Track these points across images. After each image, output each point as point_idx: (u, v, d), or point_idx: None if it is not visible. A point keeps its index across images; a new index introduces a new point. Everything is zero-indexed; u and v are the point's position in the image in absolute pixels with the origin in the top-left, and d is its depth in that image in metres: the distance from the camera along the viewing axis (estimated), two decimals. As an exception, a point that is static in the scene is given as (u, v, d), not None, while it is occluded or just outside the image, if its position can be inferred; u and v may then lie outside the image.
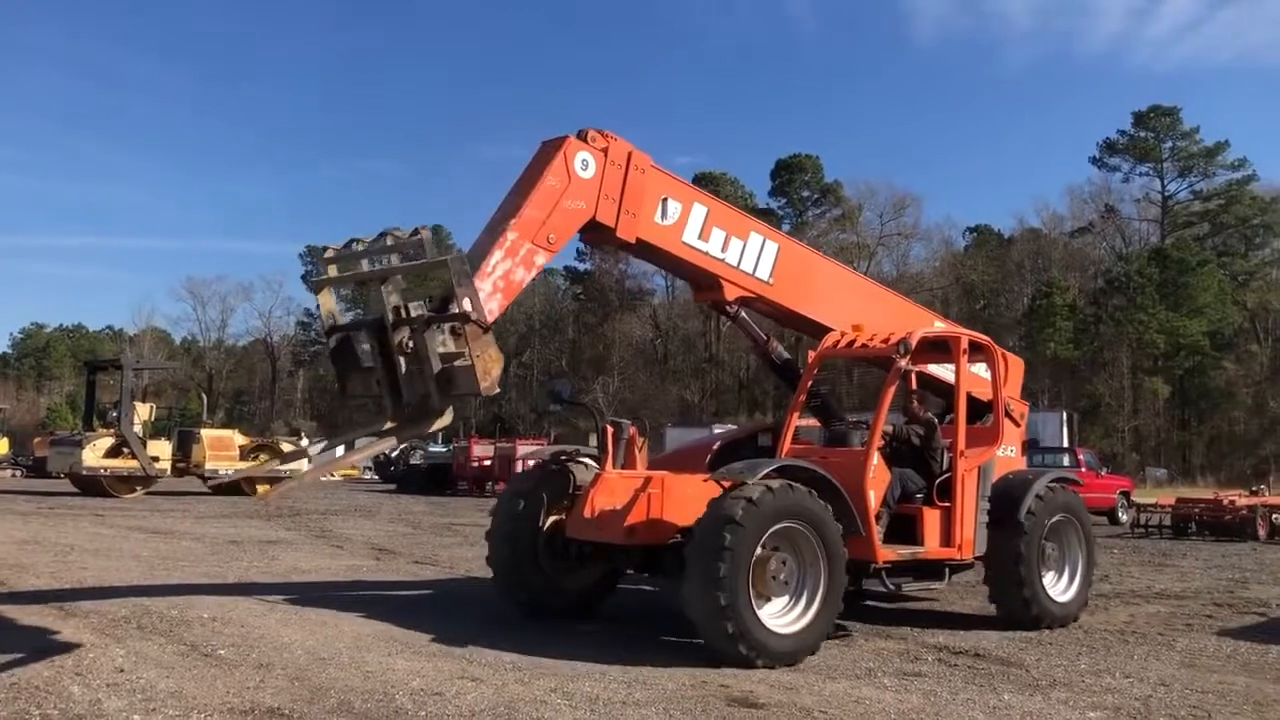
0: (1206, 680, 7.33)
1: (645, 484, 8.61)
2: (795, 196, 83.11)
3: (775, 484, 7.62)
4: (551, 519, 9.20)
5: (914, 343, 8.80)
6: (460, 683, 6.66)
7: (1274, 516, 21.23)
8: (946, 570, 9.09)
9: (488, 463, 34.20)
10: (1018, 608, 9.29)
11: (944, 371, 10.11)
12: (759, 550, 7.48)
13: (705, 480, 8.35)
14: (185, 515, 21.26)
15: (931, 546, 8.77)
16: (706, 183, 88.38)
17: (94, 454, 26.14)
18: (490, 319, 7.07)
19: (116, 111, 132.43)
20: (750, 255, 9.12)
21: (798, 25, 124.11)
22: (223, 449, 28.39)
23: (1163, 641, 8.88)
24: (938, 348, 9.57)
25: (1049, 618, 9.35)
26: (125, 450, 26.43)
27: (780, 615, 7.70)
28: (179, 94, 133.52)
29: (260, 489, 28.61)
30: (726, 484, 7.83)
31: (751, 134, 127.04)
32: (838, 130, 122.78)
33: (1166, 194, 77.68)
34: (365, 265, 7.63)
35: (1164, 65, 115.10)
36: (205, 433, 28.95)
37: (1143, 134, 76.89)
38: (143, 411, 28.07)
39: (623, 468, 9.01)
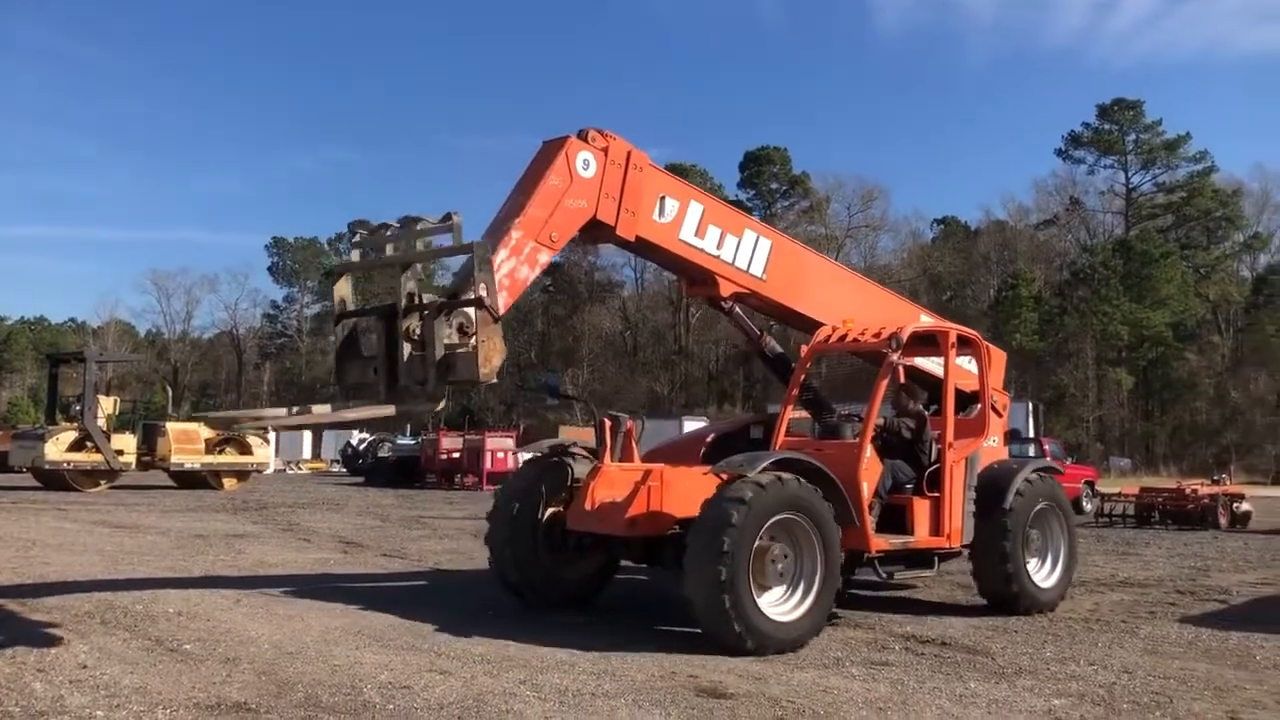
0: (1169, 667, 7.42)
1: (645, 476, 8.72)
2: (764, 188, 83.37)
3: (775, 476, 7.77)
4: (550, 511, 9.29)
5: (905, 337, 8.97)
6: (428, 676, 6.64)
7: (1235, 505, 21.55)
8: (935, 559, 9.27)
9: (456, 455, 34.09)
10: (1003, 594, 9.50)
11: (929, 364, 10.32)
12: (759, 540, 7.61)
13: (705, 473, 8.40)
14: (150, 509, 21.04)
15: (921, 536, 8.98)
16: (676, 174, 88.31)
17: (57, 448, 25.82)
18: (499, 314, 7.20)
19: (76, 101, 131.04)
20: (744, 252, 9.29)
21: (764, 17, 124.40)
22: (188, 442, 28.11)
23: (1126, 629, 8.98)
24: (927, 342, 9.76)
25: (1033, 603, 9.55)
26: (89, 444, 26.14)
27: (778, 604, 7.83)
28: (140, 84, 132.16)
29: (228, 483, 28.54)
30: (726, 476, 7.92)
31: (720, 126, 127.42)
32: (806, 123, 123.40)
33: (1130, 186, 78.59)
34: (390, 250, 7.81)
35: (1126, 59, 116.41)
36: (170, 426, 28.65)
37: (1106, 127, 77.72)
38: (107, 405, 27.75)
39: (620, 460, 9.15)
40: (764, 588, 7.72)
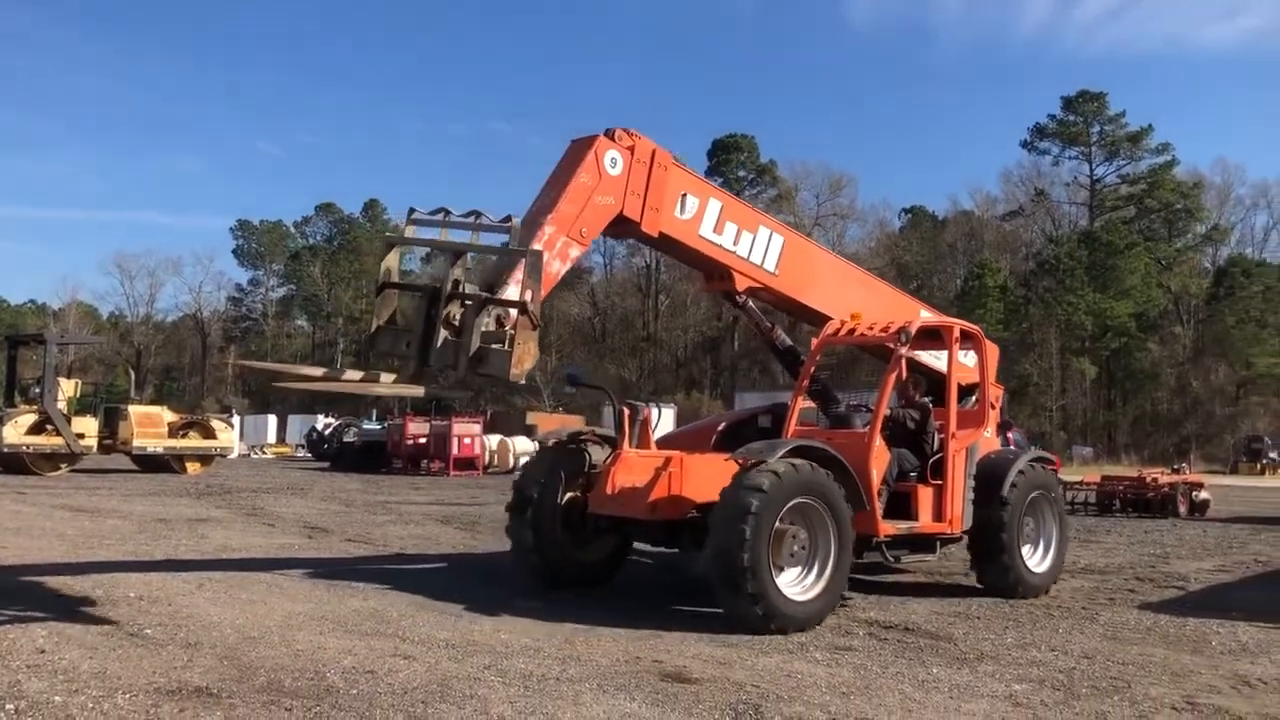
0: (1127, 652, 7.52)
1: (665, 463, 9.04)
2: (732, 176, 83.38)
3: (794, 462, 8.10)
4: (568, 495, 9.62)
5: (914, 332, 9.38)
6: (393, 660, 6.62)
7: (1194, 494, 21.83)
8: (937, 543, 9.67)
9: (423, 441, 33.93)
10: (999, 579, 9.84)
11: (927, 357, 10.73)
12: (777, 523, 7.91)
13: (726, 459, 8.63)
14: (112, 493, 20.82)
15: (925, 521, 9.37)
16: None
17: (16, 431, 25.47)
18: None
19: (36, 79, 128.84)
20: (759, 248, 9.65)
21: (736, 5, 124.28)
22: (151, 426, 27.82)
23: (1086, 615, 9.09)
24: (931, 336, 10.12)
25: (1027, 588, 9.88)
26: (49, 427, 25.82)
27: (795, 584, 8.16)
28: (102, 64, 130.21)
29: (191, 467, 28.28)
30: (745, 462, 8.22)
31: (688, 113, 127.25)
32: (774, 111, 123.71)
33: (1095, 178, 79.26)
34: (443, 234, 7.96)
35: (1090, 51, 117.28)
36: (133, 409, 28.33)
37: (1071, 118, 78.28)
38: (67, 388, 27.44)
39: (637, 447, 9.44)
40: (781, 569, 8.05)
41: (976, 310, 68.03)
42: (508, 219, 7.74)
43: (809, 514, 8.21)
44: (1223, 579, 11.80)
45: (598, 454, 9.79)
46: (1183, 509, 21.24)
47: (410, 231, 8.22)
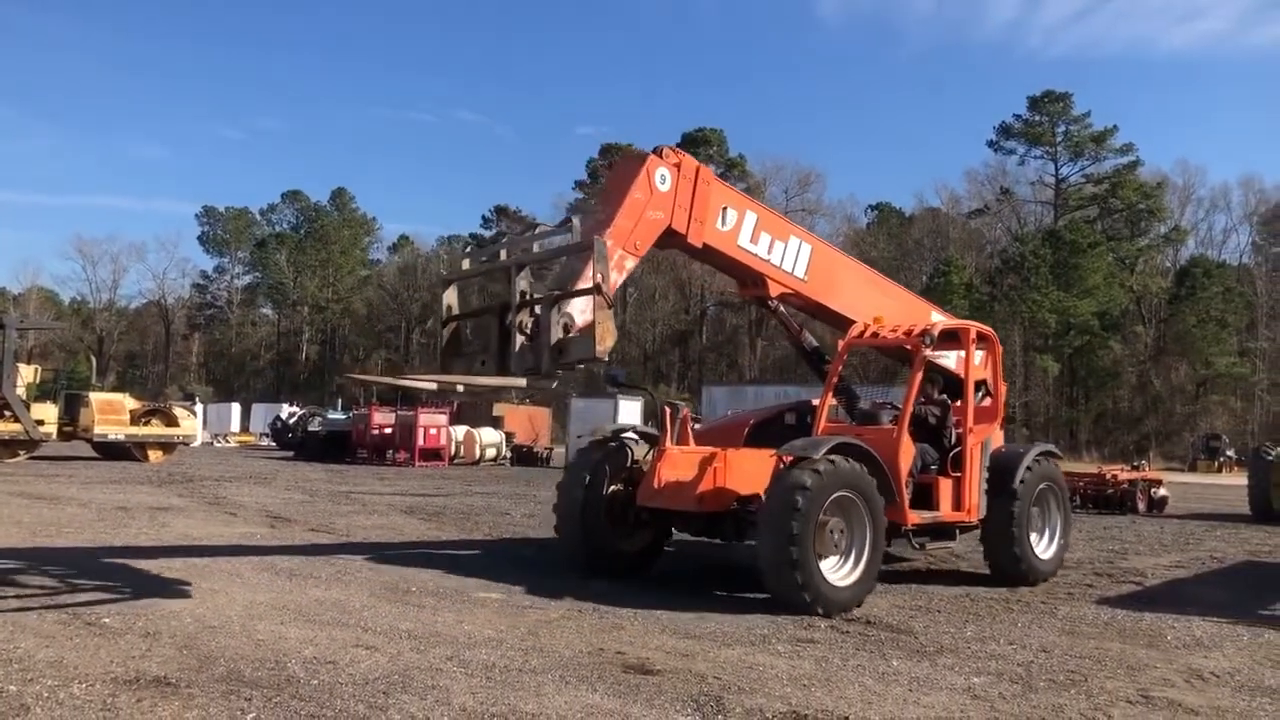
0: (1085, 646, 7.61)
1: (711, 458, 9.63)
2: (630, 155, 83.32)
3: (835, 459, 8.67)
4: (612, 489, 10.17)
5: (937, 335, 10.04)
6: (354, 651, 6.59)
7: (1153, 491, 22.11)
8: (956, 531, 10.38)
9: (389, 431, 33.77)
10: (1009, 565, 10.49)
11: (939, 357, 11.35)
12: (820, 515, 8.44)
13: (770, 455, 9.19)
14: (71, 481, 20.58)
15: (946, 511, 10.03)
16: (614, 154, 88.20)
17: (-28, 417, 25.12)
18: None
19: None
20: (790, 256, 10.22)
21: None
22: (112, 413, 27.52)
23: (1045, 610, 9.19)
24: (949, 337, 10.68)
25: (1034, 574, 10.57)
26: (7, 413, 25.46)
27: (835, 570, 8.71)
28: (63, 46, 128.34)
29: (153, 455, 28.00)
30: (788, 459, 8.73)
31: (656, 106, 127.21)
32: (743, 106, 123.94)
33: (1059, 177, 79.91)
34: (503, 255, 8.64)
35: (1056, 51, 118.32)
36: (94, 396, 28.02)
37: (1037, 118, 78.88)
38: (27, 374, 27.05)
39: (678, 444, 10.07)
40: (822, 556, 8.56)
41: (942, 307, 68.50)
42: (566, 220, 8.48)
43: (847, 506, 8.76)
44: (1179, 575, 11.97)
45: (638, 450, 10.45)
46: (1141, 505, 21.52)
47: (466, 265, 9.01)
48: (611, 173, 9.16)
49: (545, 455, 36.80)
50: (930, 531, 10.07)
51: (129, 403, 28.66)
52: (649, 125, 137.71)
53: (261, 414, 57.61)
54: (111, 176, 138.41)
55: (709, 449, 9.97)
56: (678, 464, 9.80)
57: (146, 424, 28.18)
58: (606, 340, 7.69)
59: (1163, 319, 72.26)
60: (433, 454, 32.83)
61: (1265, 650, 7.65)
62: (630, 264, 8.82)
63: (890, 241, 79.82)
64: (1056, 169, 79.90)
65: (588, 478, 10.12)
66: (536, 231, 8.84)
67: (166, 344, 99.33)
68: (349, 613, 7.87)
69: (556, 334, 7.75)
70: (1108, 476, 22.44)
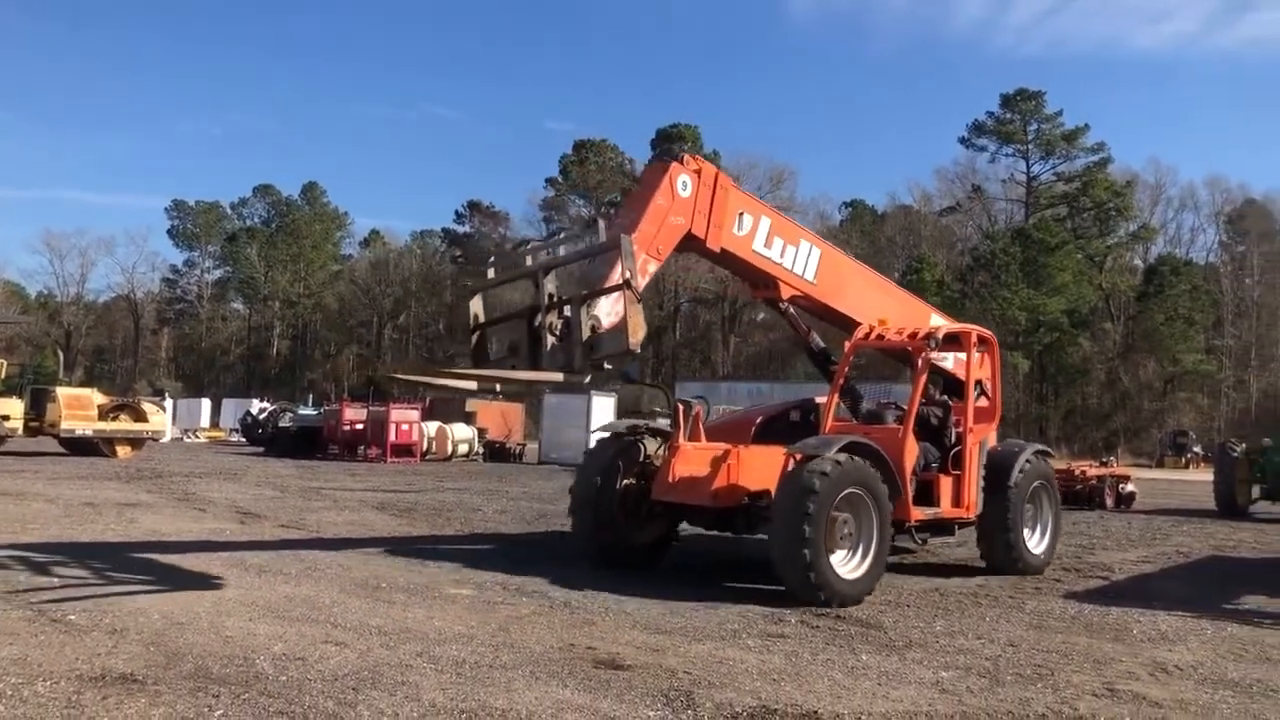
0: (1052, 640, 7.68)
1: (725, 455, 9.92)
2: (654, 161, 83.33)
3: (845, 457, 8.96)
4: (625, 483, 10.51)
5: (941, 338, 10.52)
6: (324, 647, 6.56)
7: (1121, 486, 22.33)
8: (955, 527, 10.83)
9: (360, 426, 33.57)
10: (1004, 559, 10.92)
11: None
12: (831, 510, 8.74)
13: (783, 452, 9.43)
14: (38, 476, 20.34)
15: (946, 507, 10.41)
16: (588, 150, 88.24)
17: (-64, 412, 24.78)
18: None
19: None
20: (800, 260, 10.55)
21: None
22: (80, 408, 27.18)
23: (1013, 604, 9.27)
24: (951, 340, 11.05)
25: (1027, 567, 11.00)
26: (-28, 409, 25.13)
27: (844, 564, 9.00)
28: (28, 38, 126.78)
29: (121, 451, 27.71)
30: (799, 457, 9.05)
31: (630, 102, 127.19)
32: (716, 103, 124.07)
33: (1031, 175, 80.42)
34: (529, 261, 8.96)
35: (1027, 50, 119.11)
36: (61, 391, 27.64)
37: (1009, 116, 79.34)
38: (-9, 368, 26.72)
39: (690, 440, 10.30)
40: (833, 550, 8.86)
41: (914, 304, 68.89)
42: (592, 222, 8.79)
43: (856, 502, 9.04)
44: (1145, 569, 12.10)
45: (651, 446, 10.76)
46: (1109, 501, 21.73)
47: (491, 274, 9.25)
48: (640, 179, 9.60)
49: (518, 451, 36.70)
50: (931, 527, 10.50)
51: (97, 398, 28.31)
52: (622, 121, 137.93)
53: (232, 409, 57.13)
54: (80, 170, 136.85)
55: (722, 446, 10.22)
56: (691, 460, 10.10)
57: (115, 419, 27.87)
58: (638, 333, 7.94)
59: (1131, 316, 72.94)
60: (405, 450, 32.67)
61: (1228, 644, 7.76)
62: (653, 268, 9.08)
63: (863, 239, 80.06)
64: (1028, 167, 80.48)
65: (602, 472, 10.43)
66: (562, 236, 9.35)
67: (135, 338, 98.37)
68: (319, 609, 7.83)
69: (586, 330, 7.99)
70: (1076, 473, 22.62)
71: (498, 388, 8.37)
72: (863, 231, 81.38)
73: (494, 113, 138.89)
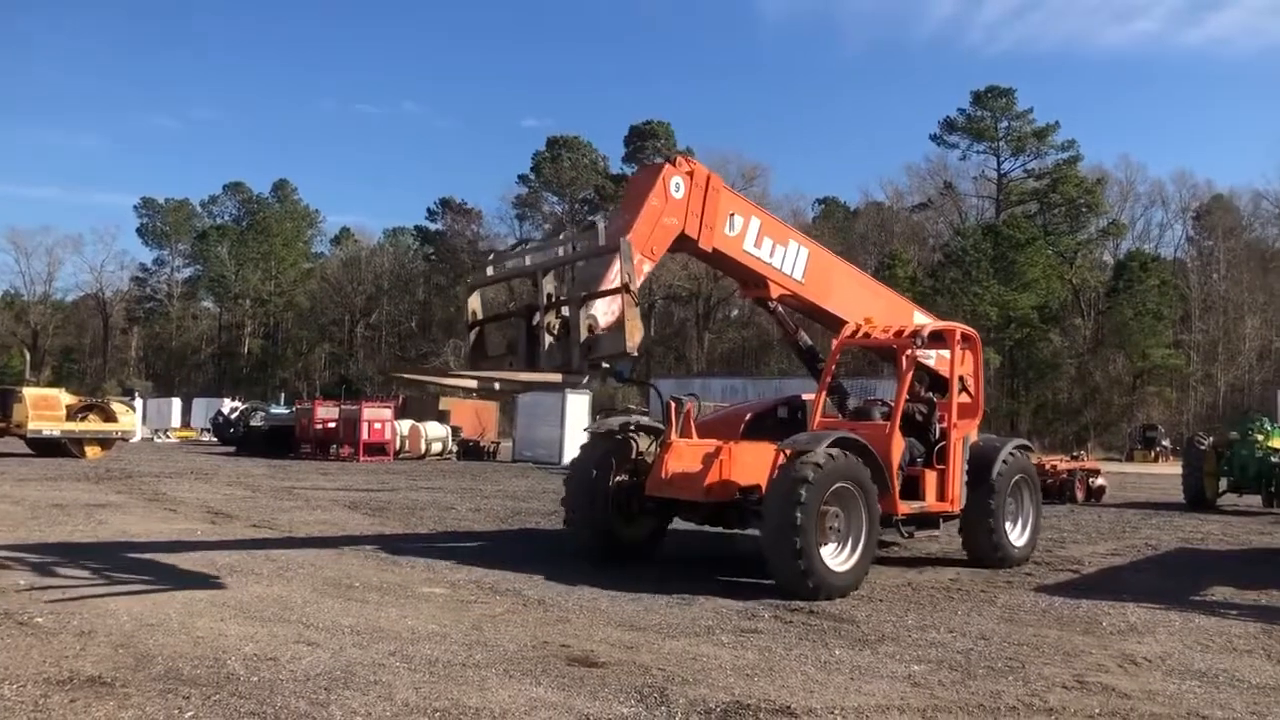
0: (1023, 633, 7.74)
1: (715, 451, 10.11)
2: (648, 163, 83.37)
3: (835, 452, 9.15)
4: (618, 479, 10.71)
5: (927, 336, 10.72)
6: (296, 647, 6.52)
7: (1091, 480, 22.53)
8: (940, 520, 10.96)
9: (332, 425, 33.36)
10: (986, 552, 11.16)
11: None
12: (821, 505, 8.92)
13: (774, 449, 9.64)
14: (4, 478, 20.11)
15: (931, 501, 10.63)
16: (561, 147, 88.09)
17: (-100, 413, 24.46)
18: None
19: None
20: (789, 260, 10.69)
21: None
22: (47, 408, 26.91)
23: (985, 598, 9.33)
24: (935, 338, 11.21)
25: (1009, 560, 11.23)
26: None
27: (834, 557, 9.20)
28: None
29: (90, 451, 27.44)
30: (790, 452, 9.21)
31: (601, 99, 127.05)
32: (688, 100, 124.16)
33: (1001, 172, 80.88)
34: (529, 260, 9.10)
35: (996, 48, 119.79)
36: (28, 391, 27.36)
37: (980, 113, 79.74)
38: (-43, 368, 26.39)
39: (682, 436, 10.48)
40: (823, 544, 9.05)
41: (887, 300, 69.11)
42: (591, 224, 8.86)
43: (845, 497, 9.26)
44: (1115, 562, 12.21)
45: (643, 442, 10.96)
46: (1080, 495, 21.93)
47: (490, 271, 9.38)
48: (631, 182, 9.75)
49: (492, 450, 36.60)
50: (917, 521, 10.62)
51: (65, 398, 28.03)
52: (595, 118, 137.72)
53: (203, 409, 56.71)
54: (46, 167, 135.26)
55: (713, 442, 10.39)
56: (683, 456, 10.30)
57: (83, 420, 27.61)
58: (635, 336, 8.07)
59: (1101, 312, 73.51)
60: (377, 449, 32.50)
61: (1195, 635, 7.84)
62: (647, 268, 9.18)
63: (836, 235, 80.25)
64: (999, 164, 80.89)
65: (596, 470, 10.62)
66: (561, 237, 9.48)
67: (104, 338, 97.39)
68: (290, 609, 7.79)
69: (584, 331, 8.11)
70: (1047, 467, 22.77)
71: (497, 385, 8.42)
72: (836, 228, 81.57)
73: (466, 110, 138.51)
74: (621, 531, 10.78)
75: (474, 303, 9.02)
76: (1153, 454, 51.31)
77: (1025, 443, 12.25)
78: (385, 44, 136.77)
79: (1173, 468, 33.22)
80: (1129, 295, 69.52)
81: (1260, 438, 21.09)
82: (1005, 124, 79.44)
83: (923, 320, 12.02)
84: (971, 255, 69.74)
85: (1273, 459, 20.50)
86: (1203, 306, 72.20)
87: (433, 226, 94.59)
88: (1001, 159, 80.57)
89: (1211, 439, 22.42)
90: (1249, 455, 20.88)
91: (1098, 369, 69.92)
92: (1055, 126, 78.05)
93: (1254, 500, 21.21)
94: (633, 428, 11.14)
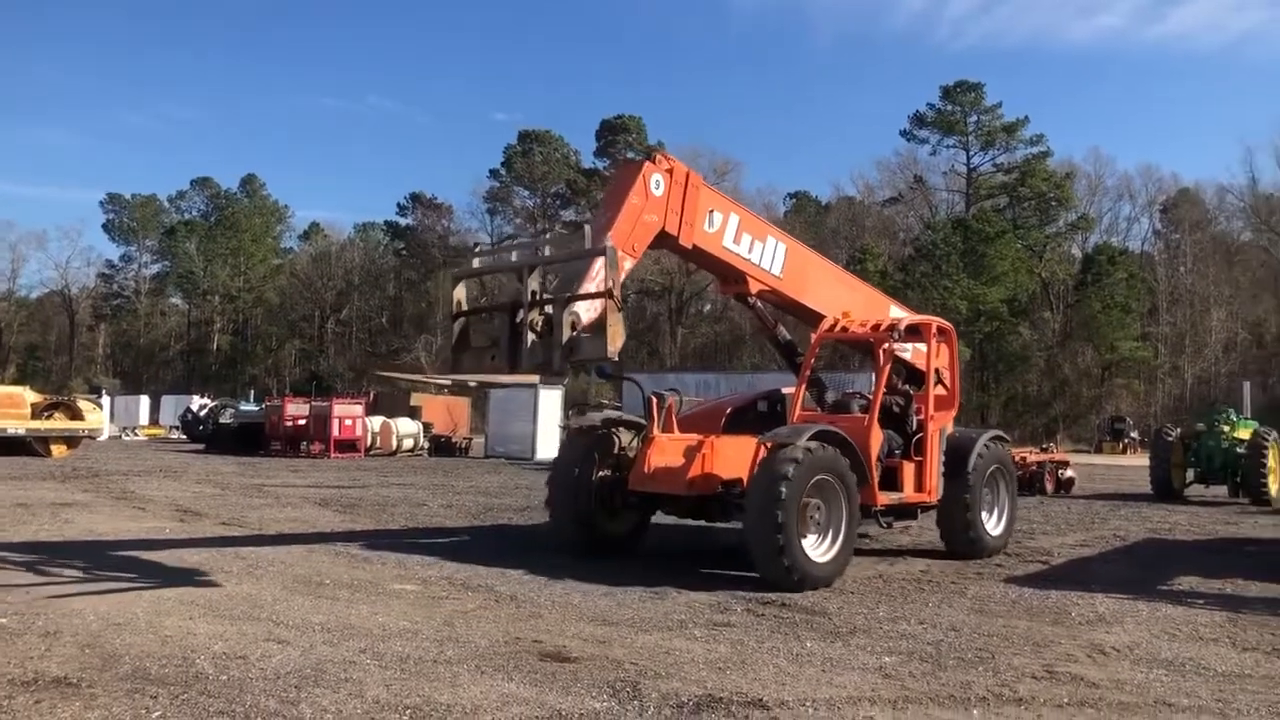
0: (993, 624, 7.79)
1: (697, 445, 10.20)
2: (619, 158, 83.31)
3: (815, 445, 9.24)
4: (601, 474, 10.77)
5: (904, 330, 10.78)
6: (265, 645, 6.48)
7: (1060, 472, 22.71)
8: (918, 510, 11.17)
9: (303, 422, 33.15)
10: (963, 542, 11.32)
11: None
12: (802, 496, 9.02)
13: (756, 442, 9.72)
14: (-32, 477, 19.87)
15: (909, 492, 10.75)
16: (532, 141, 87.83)
17: None
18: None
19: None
20: (768, 255, 10.78)
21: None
22: (12, 407, 26.60)
23: (955, 590, 9.39)
24: (911, 332, 11.30)
25: (985, 549, 11.39)
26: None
27: (815, 548, 9.29)
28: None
29: (56, 450, 27.14)
30: (771, 445, 9.31)
31: (573, 93, 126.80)
32: (660, 94, 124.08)
33: (971, 166, 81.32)
34: (515, 257, 9.23)
35: (964, 42, 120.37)
36: (-9, 389, 27.04)
37: (950, 107, 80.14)
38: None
39: (664, 431, 10.59)
40: (804, 535, 9.17)
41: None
42: (579, 227, 8.88)
43: (826, 488, 9.37)
44: (1084, 553, 12.32)
45: (625, 437, 11.05)
46: (1049, 486, 22.10)
47: (476, 263, 9.49)
48: (612, 179, 9.82)
49: (464, 445, 36.50)
50: (895, 511, 10.81)
51: (30, 396, 27.72)
52: (566, 112, 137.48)
53: (171, 406, 56.21)
54: (8, 162, 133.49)
55: (695, 436, 10.48)
56: (666, 450, 10.36)
57: (49, 418, 27.32)
58: (617, 341, 8.14)
59: (1070, 305, 74.07)
60: (348, 445, 32.32)
61: (1162, 624, 7.92)
62: (629, 264, 9.24)
63: (808, 229, 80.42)
64: (968, 158, 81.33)
65: (579, 465, 10.70)
66: (548, 236, 9.61)
67: (71, 335, 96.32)
68: (260, 607, 7.73)
69: (567, 332, 8.16)
70: (1017, 459, 22.87)
71: (471, 383, 8.48)
72: (807, 222, 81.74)
73: (437, 104, 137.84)
74: (604, 526, 10.85)
75: (459, 293, 9.04)
76: (1121, 446, 51.75)
77: (1001, 434, 12.41)
78: (355, 38, 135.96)
79: (1140, 459, 33.53)
80: (1097, 288, 70.05)
81: (1226, 429, 21.32)
82: (974, 118, 79.89)
83: (899, 314, 12.15)
84: (942, 249, 70.11)
85: (1238, 450, 20.73)
86: (1170, 299, 72.89)
87: (403, 221, 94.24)
88: (971, 153, 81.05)
89: (1178, 430, 22.64)
90: (1215, 446, 21.11)
91: (1066, 362, 70.46)
92: (1024, 121, 78.61)
93: (1220, 491, 21.45)
94: (614, 423, 11.21)
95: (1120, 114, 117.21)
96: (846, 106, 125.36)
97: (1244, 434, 21.15)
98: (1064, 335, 72.69)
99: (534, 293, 8.44)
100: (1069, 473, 22.96)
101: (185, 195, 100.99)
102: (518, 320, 8.42)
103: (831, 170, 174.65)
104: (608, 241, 8.61)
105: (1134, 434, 53.11)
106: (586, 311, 8.40)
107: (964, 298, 67.70)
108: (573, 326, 8.24)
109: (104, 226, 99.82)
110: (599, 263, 8.43)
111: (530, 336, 8.30)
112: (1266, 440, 20.24)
